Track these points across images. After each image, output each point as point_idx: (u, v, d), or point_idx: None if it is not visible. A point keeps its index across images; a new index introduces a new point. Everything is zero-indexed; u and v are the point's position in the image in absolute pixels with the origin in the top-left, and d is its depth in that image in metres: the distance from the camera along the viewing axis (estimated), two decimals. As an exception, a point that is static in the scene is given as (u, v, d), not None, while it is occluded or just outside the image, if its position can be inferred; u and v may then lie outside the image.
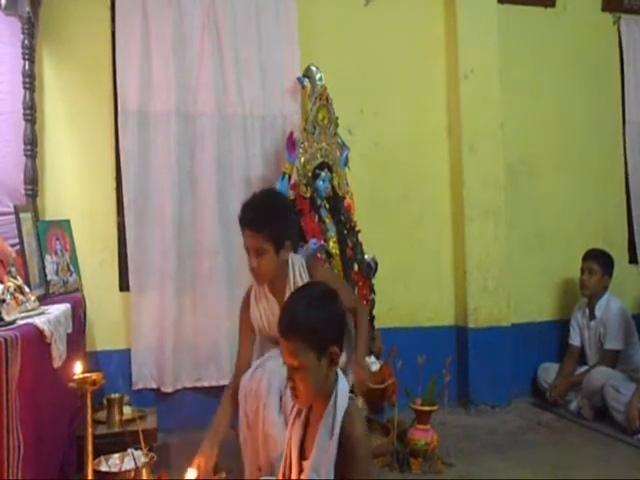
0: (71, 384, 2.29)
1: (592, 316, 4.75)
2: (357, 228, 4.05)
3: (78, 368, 2.31)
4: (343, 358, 2.28)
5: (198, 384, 4.20)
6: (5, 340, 2.11)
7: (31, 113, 3.80)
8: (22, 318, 2.62)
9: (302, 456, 2.14)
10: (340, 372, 2.16)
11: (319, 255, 3.71)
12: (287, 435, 2.23)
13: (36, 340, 2.52)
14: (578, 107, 5.24)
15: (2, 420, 2.05)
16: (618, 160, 5.37)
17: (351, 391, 3.48)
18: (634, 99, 5.34)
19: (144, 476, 2.44)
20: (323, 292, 2.17)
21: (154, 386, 4.14)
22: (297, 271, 3.02)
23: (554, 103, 5.18)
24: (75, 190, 4.15)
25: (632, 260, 5.35)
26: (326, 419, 2.06)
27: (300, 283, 2.90)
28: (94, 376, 2.31)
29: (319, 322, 2.03)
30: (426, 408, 3.59)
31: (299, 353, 2.02)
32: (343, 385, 2.11)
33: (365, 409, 3.76)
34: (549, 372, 4.82)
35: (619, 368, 4.50)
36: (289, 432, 2.23)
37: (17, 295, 2.76)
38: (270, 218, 2.87)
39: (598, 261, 4.74)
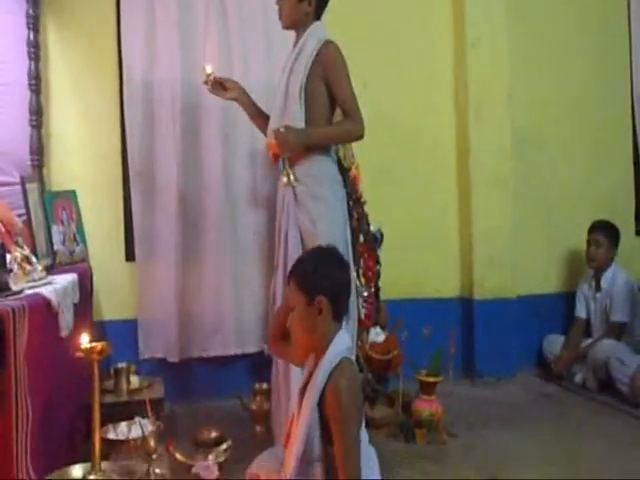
0: (78, 353, 2.30)
1: (598, 288, 4.74)
2: (363, 200, 4.03)
3: (85, 338, 2.31)
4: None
5: (204, 354, 4.21)
6: (13, 310, 2.12)
7: (36, 83, 3.80)
8: (29, 288, 2.64)
9: None
10: (344, 335, 2.22)
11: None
12: (297, 396, 2.27)
13: (43, 310, 2.54)
14: (587, 75, 5.18)
15: (10, 389, 2.07)
16: (626, 130, 5.31)
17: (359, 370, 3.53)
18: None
19: (151, 444, 2.46)
20: (333, 254, 2.32)
21: (160, 356, 4.16)
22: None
23: (562, 71, 5.12)
24: (81, 160, 4.15)
25: (639, 232, 5.33)
26: (316, 374, 2.13)
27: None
28: (101, 345, 2.32)
29: (314, 269, 2.19)
30: (431, 379, 3.60)
31: (293, 293, 2.19)
32: (339, 345, 2.17)
33: (372, 380, 3.79)
34: (554, 344, 4.82)
35: (624, 340, 4.50)
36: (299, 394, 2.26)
37: (24, 265, 2.77)
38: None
39: (604, 233, 4.71)
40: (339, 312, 2.22)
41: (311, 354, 2.23)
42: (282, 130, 3.03)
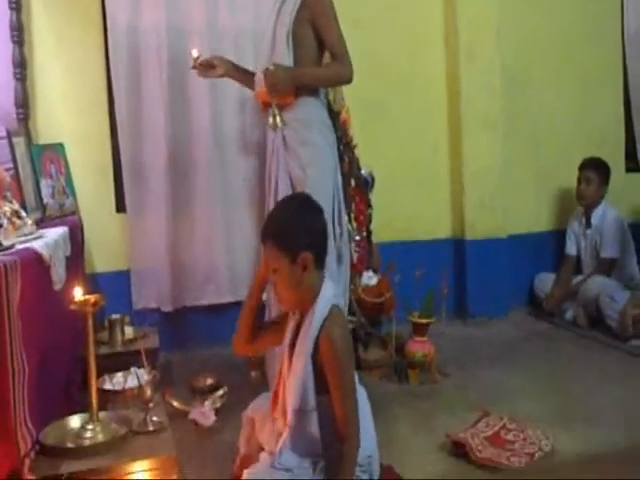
0: (72, 306, 2.31)
1: (588, 225, 4.77)
2: (354, 143, 4.01)
3: (78, 291, 2.32)
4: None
5: (197, 303, 4.24)
6: (5, 265, 2.13)
7: (18, 34, 3.73)
8: (20, 242, 2.64)
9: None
10: (329, 282, 2.21)
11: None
12: (286, 351, 2.28)
13: (35, 264, 2.54)
14: (576, 10, 5.13)
15: (5, 344, 2.08)
16: (616, 66, 5.30)
17: (352, 313, 3.56)
18: (633, 4, 5.23)
19: (148, 393, 2.50)
20: (304, 202, 2.27)
21: (154, 306, 4.18)
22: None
23: (552, 6, 5.06)
24: (67, 112, 4.09)
25: (629, 169, 5.33)
26: (306, 326, 2.13)
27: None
28: (94, 298, 2.33)
29: (291, 227, 2.13)
30: (423, 320, 3.63)
31: (274, 257, 2.12)
32: (327, 294, 2.16)
33: (365, 323, 3.83)
34: (546, 282, 4.87)
35: (614, 277, 4.55)
36: (287, 348, 2.27)
37: (14, 219, 2.76)
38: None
39: (595, 170, 4.72)
40: (322, 260, 2.20)
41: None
42: (271, 68, 2.99)
